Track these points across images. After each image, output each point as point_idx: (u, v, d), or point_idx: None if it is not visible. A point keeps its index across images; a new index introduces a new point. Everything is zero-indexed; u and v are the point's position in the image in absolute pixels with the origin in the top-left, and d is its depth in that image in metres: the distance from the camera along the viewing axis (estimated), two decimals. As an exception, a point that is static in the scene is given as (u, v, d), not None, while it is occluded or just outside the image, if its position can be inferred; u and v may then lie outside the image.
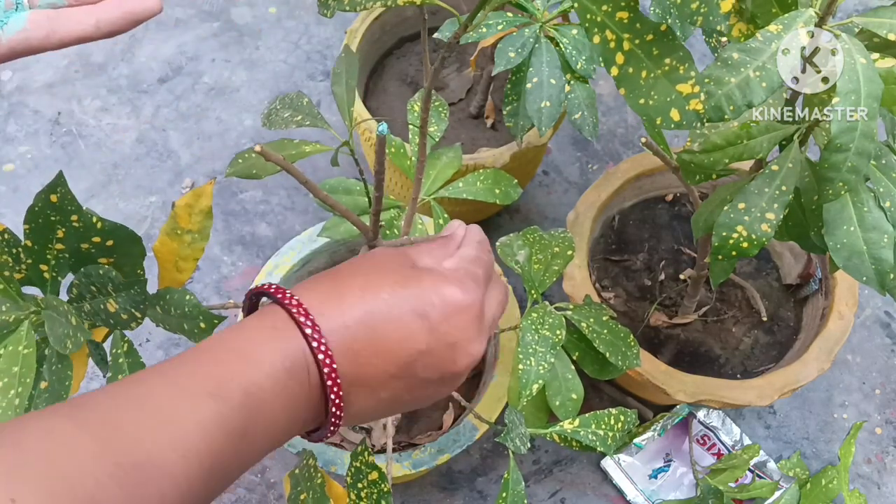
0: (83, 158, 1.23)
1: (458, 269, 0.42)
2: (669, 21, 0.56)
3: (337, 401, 0.37)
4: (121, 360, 0.55)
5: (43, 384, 0.51)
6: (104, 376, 0.56)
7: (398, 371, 0.38)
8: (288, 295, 0.37)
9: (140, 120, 1.27)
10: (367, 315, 0.38)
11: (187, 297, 0.52)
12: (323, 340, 0.36)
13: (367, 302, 0.38)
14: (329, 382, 0.36)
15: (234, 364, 0.35)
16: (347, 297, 0.38)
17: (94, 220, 0.50)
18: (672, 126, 0.39)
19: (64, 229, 0.49)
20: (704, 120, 0.39)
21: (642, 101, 0.40)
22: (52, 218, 0.49)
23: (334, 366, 0.36)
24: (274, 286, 0.39)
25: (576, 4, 0.39)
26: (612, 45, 0.39)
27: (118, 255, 0.51)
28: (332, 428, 0.38)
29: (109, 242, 0.51)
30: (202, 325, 0.53)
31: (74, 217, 0.49)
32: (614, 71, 0.39)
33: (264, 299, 0.41)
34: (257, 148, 0.43)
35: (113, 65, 1.32)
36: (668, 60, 0.39)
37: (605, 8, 0.38)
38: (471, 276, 0.41)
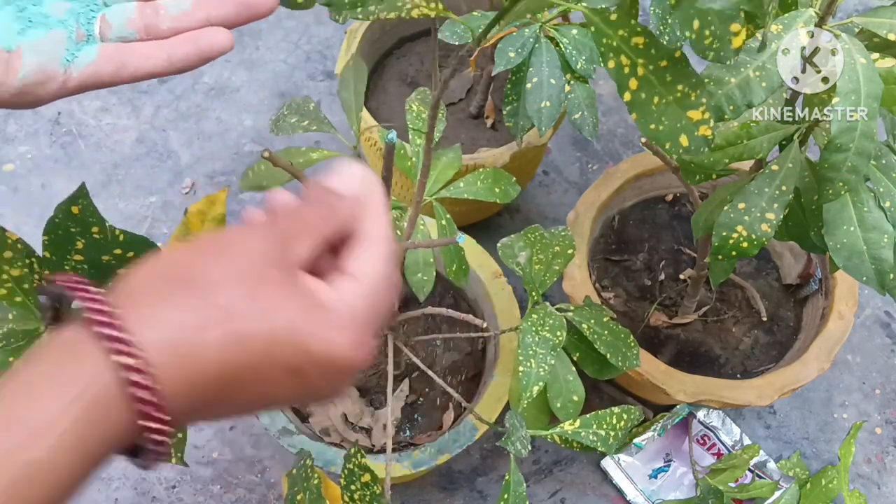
0: (83, 158, 1.23)
1: (362, 309, 0.32)
2: (670, 21, 0.56)
3: (160, 445, 0.29)
4: None
5: None
6: None
7: (246, 410, 0.32)
8: (100, 303, 0.28)
9: (140, 120, 1.27)
10: (227, 360, 0.29)
11: None
12: (146, 383, 0.27)
13: (234, 342, 0.29)
14: (153, 435, 0.28)
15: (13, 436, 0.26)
16: (204, 317, 0.29)
17: (117, 232, 0.50)
18: (680, 152, 0.40)
19: (83, 241, 0.49)
20: (712, 145, 0.40)
21: (653, 126, 0.40)
22: (73, 229, 0.49)
23: (158, 406, 0.28)
24: (81, 282, 0.29)
25: (592, 29, 0.39)
26: (627, 70, 0.39)
27: (133, 263, 0.51)
28: (154, 460, 0.30)
29: (130, 254, 0.51)
30: None
31: (95, 229, 0.49)
32: (627, 96, 0.40)
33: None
34: (265, 153, 0.43)
35: (113, 65, 1.32)
36: (680, 87, 0.39)
37: (621, 33, 0.38)
38: (372, 321, 0.33)
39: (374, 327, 0.33)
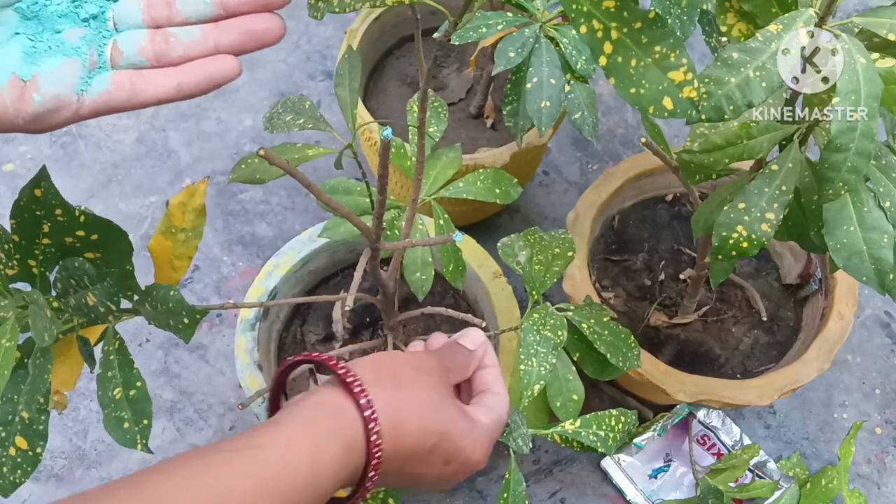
0: (83, 158, 1.23)
1: (493, 430, 0.49)
2: (670, 20, 0.56)
3: (374, 476, 0.42)
4: (111, 357, 0.56)
5: (28, 380, 0.52)
6: (91, 372, 0.57)
7: (401, 481, 0.45)
8: (352, 376, 0.43)
9: (140, 120, 1.27)
10: (416, 440, 0.44)
11: (171, 292, 0.52)
12: (376, 421, 0.42)
13: (423, 428, 0.44)
14: (373, 462, 0.42)
15: (299, 457, 0.40)
16: (409, 405, 0.44)
17: (77, 213, 0.50)
18: (665, 115, 0.39)
19: (49, 224, 0.50)
20: (699, 107, 0.39)
21: (633, 90, 0.39)
22: (38, 213, 0.49)
23: (379, 447, 0.42)
24: (333, 359, 0.45)
25: None
26: (600, 34, 0.38)
27: (104, 250, 0.51)
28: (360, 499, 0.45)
29: (94, 236, 0.51)
30: (186, 320, 0.53)
31: (58, 211, 0.49)
32: (602, 61, 0.39)
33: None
34: (261, 152, 0.43)
35: (113, 65, 1.32)
36: (658, 48, 0.38)
37: None
38: (494, 441, 0.49)
39: (492, 445, 0.49)
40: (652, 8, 0.58)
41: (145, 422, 0.56)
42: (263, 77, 1.31)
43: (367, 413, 0.41)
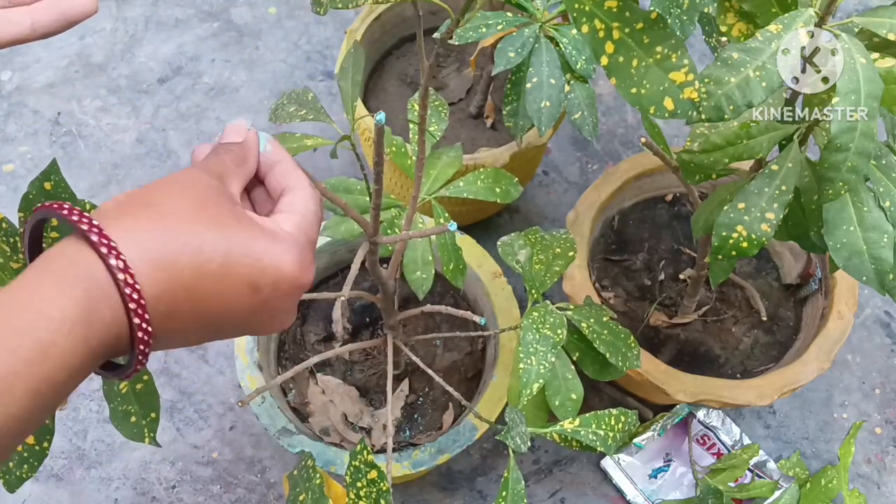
0: (83, 158, 1.23)
1: (300, 235, 0.38)
2: (670, 20, 0.56)
3: (146, 328, 0.32)
4: None
5: None
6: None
7: (210, 327, 0.36)
8: (86, 220, 0.32)
9: (140, 120, 1.27)
10: (194, 269, 0.33)
11: None
12: (118, 255, 0.31)
13: (195, 253, 0.33)
14: (133, 306, 0.32)
15: (24, 319, 0.30)
16: (169, 232, 0.33)
17: (88, 206, 0.50)
18: (666, 115, 0.39)
19: (57, 217, 0.49)
20: (699, 108, 0.39)
21: (634, 90, 0.39)
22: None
23: (143, 303, 0.32)
24: (67, 206, 0.33)
25: None
26: (602, 34, 0.38)
27: None
28: (137, 367, 0.34)
29: None
30: None
31: (67, 204, 0.49)
32: (604, 60, 0.39)
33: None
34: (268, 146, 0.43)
35: (113, 65, 1.32)
36: (659, 48, 0.38)
37: None
38: (310, 245, 0.38)
39: (311, 252, 0.38)
40: (652, 8, 0.58)
41: (153, 415, 0.56)
42: (263, 77, 1.31)
43: (102, 250, 0.31)
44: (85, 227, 0.32)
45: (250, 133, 0.41)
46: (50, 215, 0.34)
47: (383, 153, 0.47)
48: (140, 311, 0.32)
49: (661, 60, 0.38)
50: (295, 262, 0.36)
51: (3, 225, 0.49)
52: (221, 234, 0.34)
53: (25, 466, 0.53)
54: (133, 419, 0.56)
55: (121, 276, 0.31)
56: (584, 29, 0.38)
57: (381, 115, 0.42)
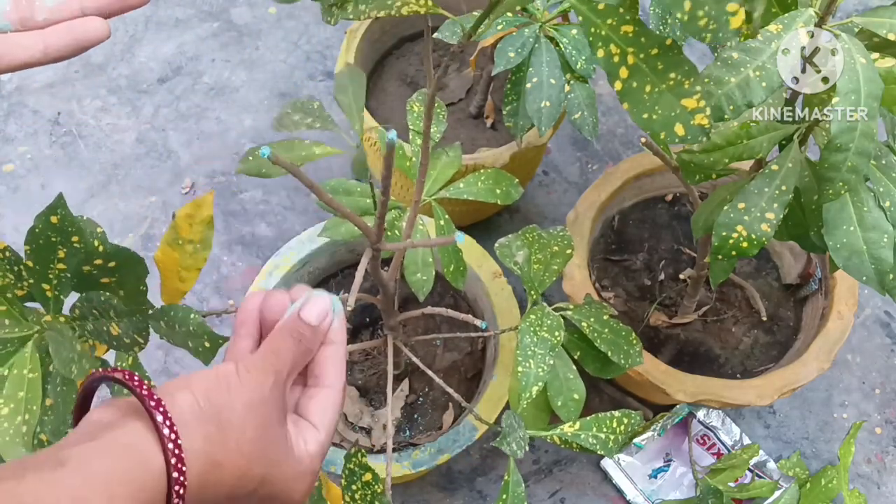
0: (83, 158, 1.23)
1: (318, 458, 0.40)
2: (670, 21, 0.56)
3: None
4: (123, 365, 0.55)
5: (48, 401, 0.51)
6: (110, 392, 0.56)
7: None
8: (156, 399, 0.34)
9: (140, 120, 1.27)
10: (227, 496, 0.36)
11: (192, 315, 0.52)
12: (183, 473, 0.34)
13: (235, 480, 0.36)
14: None
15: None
16: (221, 450, 0.36)
17: (97, 244, 0.50)
18: (676, 140, 0.39)
19: (65, 250, 0.49)
20: (710, 135, 0.39)
21: (646, 115, 0.39)
22: (53, 239, 0.49)
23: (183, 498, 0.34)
24: (136, 377, 0.35)
25: (580, 18, 0.38)
26: (616, 59, 0.39)
27: (120, 275, 0.51)
28: None
29: (112, 264, 0.51)
30: (207, 344, 0.53)
31: (75, 238, 0.49)
32: (618, 85, 0.39)
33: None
34: (273, 157, 0.43)
35: (113, 65, 1.32)
36: (672, 75, 0.38)
37: (609, 21, 0.38)
38: (316, 474, 0.41)
39: (316, 476, 0.41)
40: (652, 8, 0.58)
41: None
42: (263, 77, 1.31)
43: (173, 461, 0.34)
44: (160, 423, 0.34)
45: (326, 321, 0.41)
46: (121, 383, 0.36)
47: (392, 168, 0.47)
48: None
49: (673, 87, 0.38)
50: (304, 492, 0.40)
51: (7, 253, 0.49)
52: (267, 460, 0.37)
53: None
54: None
55: (177, 487, 0.34)
56: (600, 53, 0.39)
57: (392, 134, 0.42)
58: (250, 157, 0.61)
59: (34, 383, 0.49)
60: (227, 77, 1.31)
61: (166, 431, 0.34)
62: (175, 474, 0.33)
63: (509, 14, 0.78)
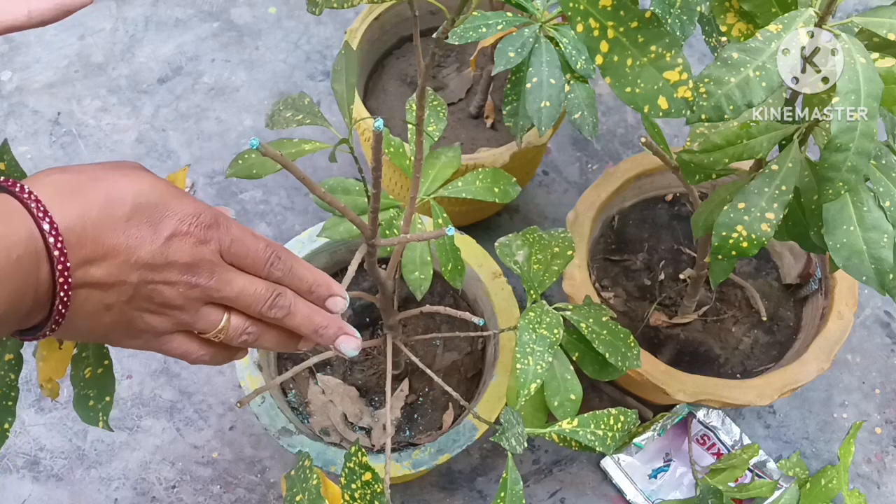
0: (83, 158, 1.23)
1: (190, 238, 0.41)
2: (670, 20, 0.56)
3: (65, 298, 0.37)
4: None
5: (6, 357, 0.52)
6: (73, 356, 0.57)
7: (109, 254, 0.39)
8: (20, 186, 0.37)
9: (140, 120, 1.27)
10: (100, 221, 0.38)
11: None
12: (60, 238, 0.36)
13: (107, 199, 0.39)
14: (60, 279, 0.37)
15: None
16: (89, 200, 0.38)
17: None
18: (661, 114, 0.39)
19: None
20: (693, 107, 0.39)
21: (629, 89, 0.39)
22: None
23: (67, 264, 0.37)
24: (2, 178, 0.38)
25: None
26: (596, 33, 0.39)
27: None
28: (51, 327, 0.39)
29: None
30: None
31: None
32: (599, 59, 0.39)
33: None
34: (260, 147, 0.43)
35: (112, 65, 1.32)
36: (654, 48, 0.38)
37: None
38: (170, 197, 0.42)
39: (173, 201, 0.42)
40: (651, 8, 0.58)
41: (107, 398, 0.56)
42: (263, 77, 1.31)
43: (45, 227, 0.36)
44: (25, 195, 0.37)
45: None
46: None
47: (381, 158, 0.47)
48: (66, 275, 0.37)
49: (655, 59, 0.38)
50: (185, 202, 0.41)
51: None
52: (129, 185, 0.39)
53: None
54: (90, 403, 0.56)
55: (56, 244, 0.37)
56: (579, 28, 0.39)
57: (379, 122, 0.42)
58: (239, 161, 0.61)
59: None
60: (227, 77, 1.31)
61: (27, 196, 0.37)
62: (41, 218, 0.36)
63: (509, 14, 0.78)
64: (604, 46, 0.39)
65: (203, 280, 0.41)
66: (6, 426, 0.53)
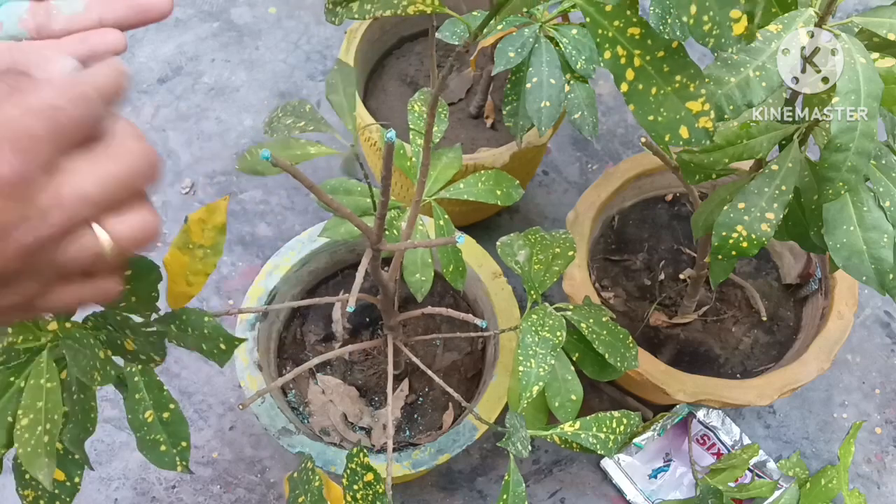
0: (83, 158, 1.23)
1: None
2: (669, 20, 0.56)
3: None
4: (136, 378, 0.55)
5: (64, 409, 0.51)
6: (123, 397, 0.56)
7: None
8: None
9: (140, 120, 1.27)
10: None
11: (206, 318, 0.52)
12: None
13: None
14: None
15: None
16: None
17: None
18: (681, 143, 0.40)
19: None
20: (713, 137, 0.39)
21: (651, 117, 0.39)
22: None
23: None
24: None
25: (588, 20, 0.39)
26: (623, 60, 0.39)
27: (134, 281, 0.51)
28: None
29: (127, 272, 0.51)
30: (222, 346, 0.52)
31: None
32: (624, 87, 0.39)
33: None
34: (271, 156, 0.43)
35: (113, 65, 1.32)
36: (678, 77, 0.39)
37: (616, 24, 0.38)
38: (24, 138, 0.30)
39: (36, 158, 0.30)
40: (652, 8, 0.58)
41: (183, 444, 0.55)
42: (263, 77, 1.31)
43: None
44: None
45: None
46: None
47: (391, 168, 0.47)
48: None
49: (679, 89, 0.39)
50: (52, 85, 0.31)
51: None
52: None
53: (57, 502, 0.53)
54: (163, 448, 0.55)
55: None
56: (607, 55, 0.39)
57: (391, 133, 0.42)
58: (248, 156, 0.61)
59: (53, 392, 0.48)
60: (227, 77, 1.31)
61: None
62: None
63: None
64: (630, 74, 0.39)
65: None
66: (76, 479, 0.53)
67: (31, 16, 0.39)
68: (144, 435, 0.55)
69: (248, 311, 0.69)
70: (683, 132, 0.39)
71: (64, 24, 0.39)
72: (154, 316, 0.53)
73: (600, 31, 0.39)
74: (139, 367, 0.54)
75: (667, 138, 0.40)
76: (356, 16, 0.43)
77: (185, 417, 0.56)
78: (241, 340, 0.52)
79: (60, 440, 0.50)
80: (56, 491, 0.53)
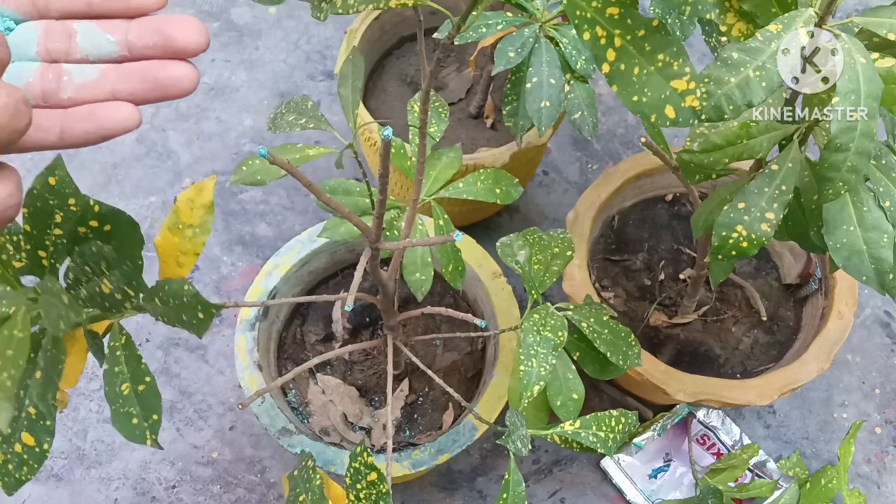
0: (83, 158, 1.23)
1: None
2: (670, 21, 0.56)
3: None
4: (118, 353, 0.56)
5: (38, 374, 0.51)
6: (101, 367, 0.56)
7: None
8: None
9: (140, 120, 1.27)
10: None
11: (185, 287, 0.52)
12: None
13: None
14: None
15: None
16: None
17: (92, 202, 0.50)
18: (668, 123, 0.39)
19: (62, 213, 0.49)
20: (701, 116, 0.39)
21: (636, 98, 0.39)
22: (51, 201, 0.49)
23: None
24: None
25: (565, 1, 0.38)
26: (603, 41, 0.38)
27: (116, 241, 0.51)
28: None
29: (107, 227, 0.51)
30: (200, 315, 0.52)
31: (72, 200, 0.49)
32: (605, 68, 0.39)
33: None
34: (270, 157, 0.43)
35: (113, 65, 1.32)
36: (661, 56, 0.38)
37: (594, 4, 0.38)
38: None
39: None
40: (652, 7, 0.58)
41: (154, 417, 0.56)
42: (263, 77, 1.31)
43: None
44: None
45: None
46: None
47: (389, 166, 0.47)
48: None
49: (662, 68, 0.38)
50: None
51: (9, 223, 0.49)
52: None
53: (25, 468, 0.53)
54: (135, 421, 0.56)
55: None
56: (586, 36, 0.38)
57: (388, 131, 0.42)
58: (243, 168, 0.61)
59: (22, 342, 0.49)
60: (227, 77, 1.31)
61: None
62: None
63: (509, 14, 0.78)
64: (611, 55, 0.38)
65: None
66: (45, 446, 0.53)
67: (38, 80, 0.36)
68: (119, 408, 0.56)
69: (246, 304, 0.69)
70: (669, 112, 0.39)
71: (73, 93, 0.36)
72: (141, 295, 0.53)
73: (578, 13, 0.38)
74: (122, 340, 0.55)
75: (653, 118, 0.39)
76: (340, 10, 0.43)
77: (160, 392, 0.56)
78: (219, 307, 0.52)
79: (30, 399, 0.51)
80: (25, 456, 0.53)
